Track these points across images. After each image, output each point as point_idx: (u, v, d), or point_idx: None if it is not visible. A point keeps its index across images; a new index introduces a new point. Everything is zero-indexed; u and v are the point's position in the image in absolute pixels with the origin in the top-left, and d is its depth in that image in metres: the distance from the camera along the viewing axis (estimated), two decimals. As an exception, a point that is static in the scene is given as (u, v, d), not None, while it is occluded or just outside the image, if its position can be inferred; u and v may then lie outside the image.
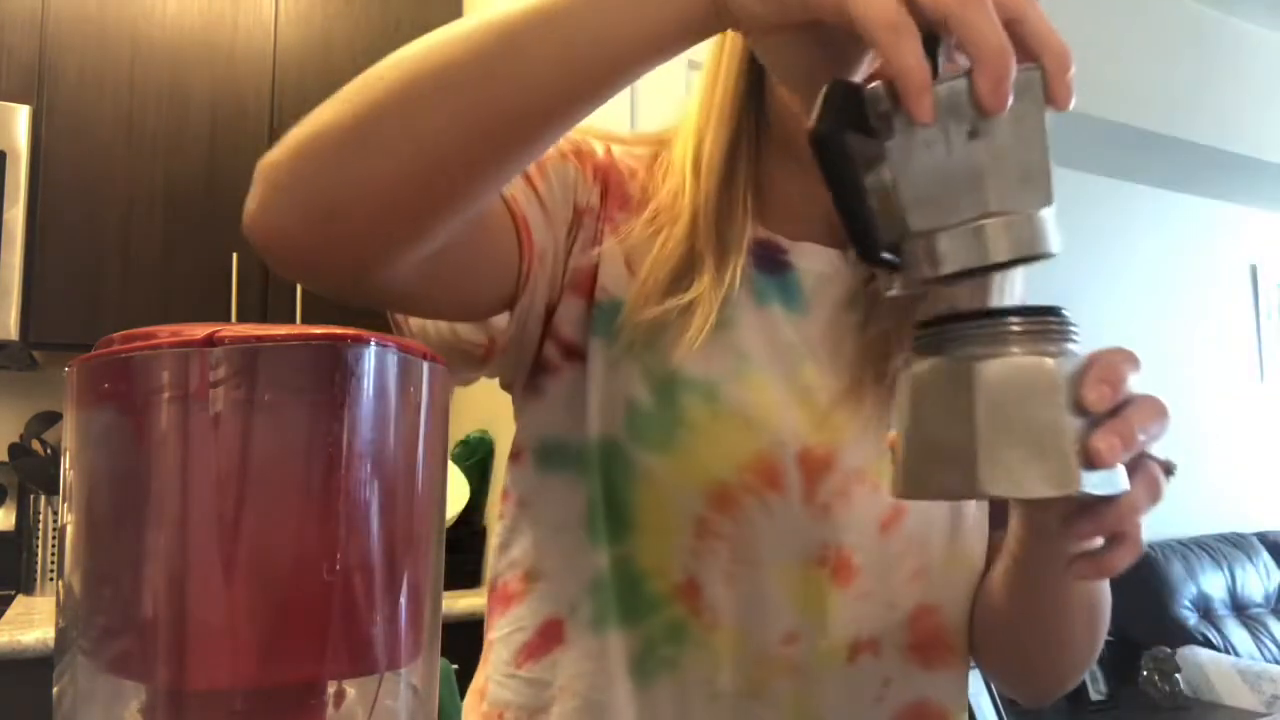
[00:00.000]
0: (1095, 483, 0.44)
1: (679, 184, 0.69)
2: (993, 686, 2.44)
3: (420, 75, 0.50)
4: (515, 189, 0.63)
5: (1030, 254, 0.44)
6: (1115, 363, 0.46)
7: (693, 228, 0.68)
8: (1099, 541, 0.52)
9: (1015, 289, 0.68)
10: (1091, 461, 0.44)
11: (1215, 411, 3.87)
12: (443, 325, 0.67)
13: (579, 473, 0.69)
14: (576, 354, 0.69)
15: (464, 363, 0.68)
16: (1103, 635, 0.70)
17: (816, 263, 0.70)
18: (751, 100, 0.69)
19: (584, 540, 0.68)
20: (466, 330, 0.67)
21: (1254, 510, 3.88)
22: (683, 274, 0.67)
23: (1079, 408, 0.45)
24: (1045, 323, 0.45)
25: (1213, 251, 4.03)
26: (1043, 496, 0.44)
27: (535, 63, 0.49)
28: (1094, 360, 0.47)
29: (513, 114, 0.50)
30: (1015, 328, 0.45)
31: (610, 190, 0.70)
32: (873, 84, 0.45)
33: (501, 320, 0.67)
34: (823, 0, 0.45)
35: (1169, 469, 0.50)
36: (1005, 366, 0.44)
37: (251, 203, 0.52)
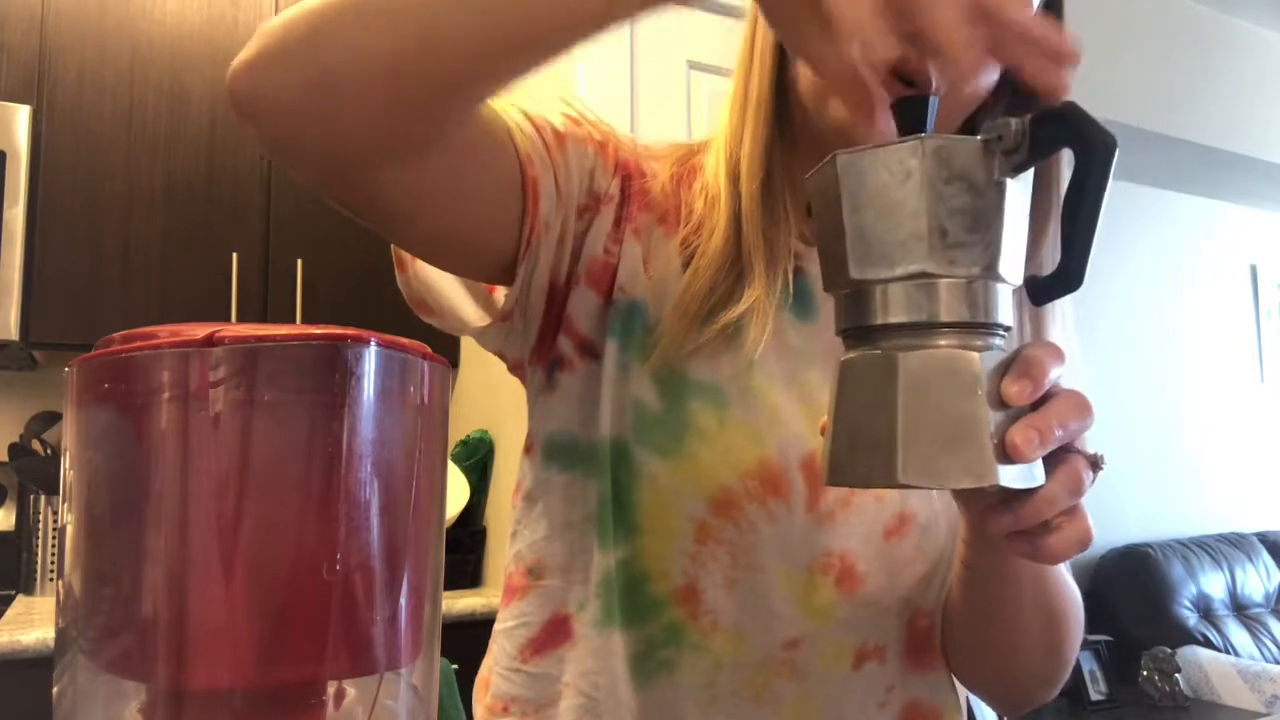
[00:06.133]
0: (1012, 476, 0.44)
1: (715, 194, 0.69)
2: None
3: None
4: (533, 153, 0.62)
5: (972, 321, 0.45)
6: (1039, 358, 0.46)
7: (734, 235, 0.67)
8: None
9: (1068, 322, 0.70)
10: (1008, 455, 0.44)
11: (1215, 411, 3.87)
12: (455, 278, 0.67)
13: (588, 472, 0.69)
14: (591, 352, 0.69)
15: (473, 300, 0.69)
16: (1069, 648, 0.69)
17: None
18: (780, 103, 0.69)
19: (593, 539, 0.68)
20: (477, 289, 0.68)
21: (1254, 510, 3.88)
22: (723, 282, 0.67)
23: (1000, 401, 0.45)
24: (972, 322, 0.45)
25: (1213, 251, 4.03)
26: (958, 488, 0.44)
27: None
28: (1017, 355, 0.47)
29: (522, 16, 0.50)
30: (942, 324, 0.45)
31: (633, 188, 0.70)
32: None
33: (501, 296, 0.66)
34: None
35: (1097, 464, 0.49)
36: (927, 358, 0.45)
37: (242, 57, 0.51)
